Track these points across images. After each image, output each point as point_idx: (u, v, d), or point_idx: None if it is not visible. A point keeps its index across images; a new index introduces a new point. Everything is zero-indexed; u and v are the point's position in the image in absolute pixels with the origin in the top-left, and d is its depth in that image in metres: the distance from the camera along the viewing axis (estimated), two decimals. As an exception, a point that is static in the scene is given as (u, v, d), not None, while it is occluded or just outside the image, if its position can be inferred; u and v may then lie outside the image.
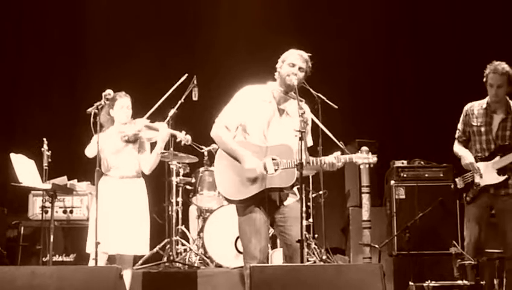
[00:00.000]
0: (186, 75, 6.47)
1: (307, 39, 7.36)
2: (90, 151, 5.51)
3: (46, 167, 6.36)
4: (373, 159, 4.60)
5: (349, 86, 8.27)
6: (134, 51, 8.52)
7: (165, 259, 6.71)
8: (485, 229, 5.55)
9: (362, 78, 8.38)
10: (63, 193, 6.83)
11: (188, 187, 7.29)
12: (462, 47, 8.15)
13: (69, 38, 8.59)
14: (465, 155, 5.60)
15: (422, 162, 7.12)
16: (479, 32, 8.10)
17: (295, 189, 4.64)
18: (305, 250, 4.52)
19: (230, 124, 4.64)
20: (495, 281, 5.55)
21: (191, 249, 6.94)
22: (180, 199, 7.22)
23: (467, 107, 5.74)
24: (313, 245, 6.95)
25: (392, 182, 7.00)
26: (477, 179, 5.53)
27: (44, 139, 6.43)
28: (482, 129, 5.59)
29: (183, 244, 7.03)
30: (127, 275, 5.43)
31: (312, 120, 4.86)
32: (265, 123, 4.63)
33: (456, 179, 5.72)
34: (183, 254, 6.93)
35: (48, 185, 6.14)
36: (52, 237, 5.93)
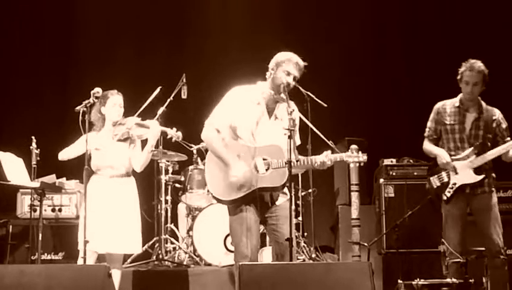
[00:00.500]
0: (160, 88, 6.34)
1: (297, 38, 7.43)
2: (66, 154, 5.50)
3: (35, 165, 6.36)
4: (363, 157, 4.62)
5: (339, 84, 8.28)
6: (125, 50, 8.51)
7: (154, 257, 6.70)
8: (466, 228, 5.54)
9: (351, 76, 8.40)
10: (51, 191, 6.83)
11: (177, 185, 7.28)
12: (450, 46, 8.18)
13: (59, 37, 8.55)
14: (441, 154, 5.54)
15: (411, 161, 7.14)
16: (467, 32, 8.15)
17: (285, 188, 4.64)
18: (295, 248, 4.50)
19: (221, 126, 4.64)
20: (483, 279, 5.56)
21: (180, 248, 6.94)
22: (169, 197, 7.21)
23: (438, 105, 5.71)
24: (302, 243, 6.97)
25: (381, 180, 7.00)
26: (453, 179, 5.54)
27: (33, 137, 6.42)
28: (456, 127, 5.57)
29: (172, 243, 7.02)
30: (117, 274, 5.39)
31: (301, 119, 4.86)
32: (254, 124, 4.63)
33: (431, 178, 5.65)
34: (172, 253, 6.93)
35: (36, 184, 6.12)
36: (40, 235, 5.92)
